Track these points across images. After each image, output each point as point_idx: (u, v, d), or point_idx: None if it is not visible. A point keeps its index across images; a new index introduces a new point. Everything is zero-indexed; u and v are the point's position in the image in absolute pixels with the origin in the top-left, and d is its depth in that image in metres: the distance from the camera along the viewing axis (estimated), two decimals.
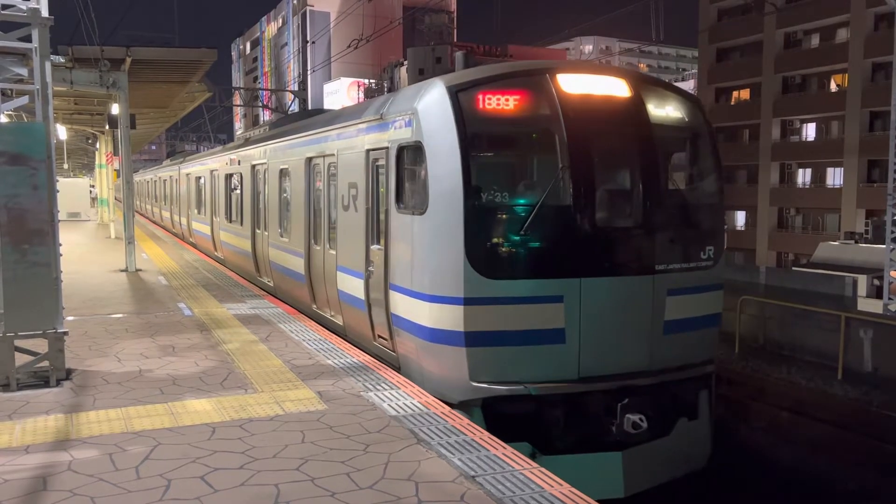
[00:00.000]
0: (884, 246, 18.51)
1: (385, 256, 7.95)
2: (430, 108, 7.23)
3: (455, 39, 71.90)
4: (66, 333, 7.36)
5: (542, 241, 7.08)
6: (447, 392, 7.05)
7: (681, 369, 7.56)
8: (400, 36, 70.75)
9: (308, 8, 77.92)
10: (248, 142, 15.92)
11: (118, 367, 7.87)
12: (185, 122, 65.03)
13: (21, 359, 7.25)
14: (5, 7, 7.73)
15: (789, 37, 46.18)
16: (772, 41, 45.92)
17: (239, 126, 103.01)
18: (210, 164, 19.00)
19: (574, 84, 7.36)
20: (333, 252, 9.67)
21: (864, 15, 40.59)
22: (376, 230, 8.37)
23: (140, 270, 16.36)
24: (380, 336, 8.35)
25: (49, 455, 5.36)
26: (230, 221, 16.39)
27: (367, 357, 8.32)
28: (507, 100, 7.08)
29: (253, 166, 14.23)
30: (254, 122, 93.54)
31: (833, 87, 44.24)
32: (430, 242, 7.10)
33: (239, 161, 15.64)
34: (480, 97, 7.07)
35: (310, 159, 10.75)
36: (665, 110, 7.93)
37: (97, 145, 33.65)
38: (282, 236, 12.26)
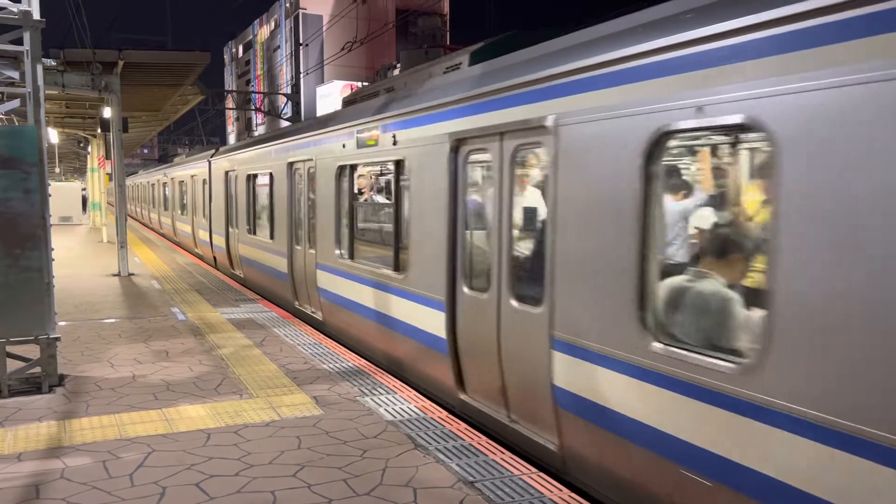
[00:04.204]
0: None
1: None
2: None
3: (448, 42, 71.96)
4: (58, 339, 7.28)
5: None
6: None
7: None
8: (393, 39, 70.80)
9: (301, 11, 77.90)
10: (389, 106, 8.19)
11: (111, 373, 7.79)
12: (178, 125, 64.95)
13: (12, 365, 7.17)
14: None
15: None
16: None
17: (231, 129, 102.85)
18: (286, 153, 12.04)
19: None
20: None
21: None
22: None
23: (133, 275, 16.27)
24: None
25: (41, 462, 5.29)
26: (350, 257, 9.39)
27: (363, 361, 8.27)
28: None
29: (423, 148, 7.18)
30: (246, 125, 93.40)
31: None
32: None
33: (371, 138, 8.50)
34: None
35: (673, 136, 4.33)
36: None
37: (89, 149, 33.52)
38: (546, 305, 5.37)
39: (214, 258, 18.98)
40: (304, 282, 11.10)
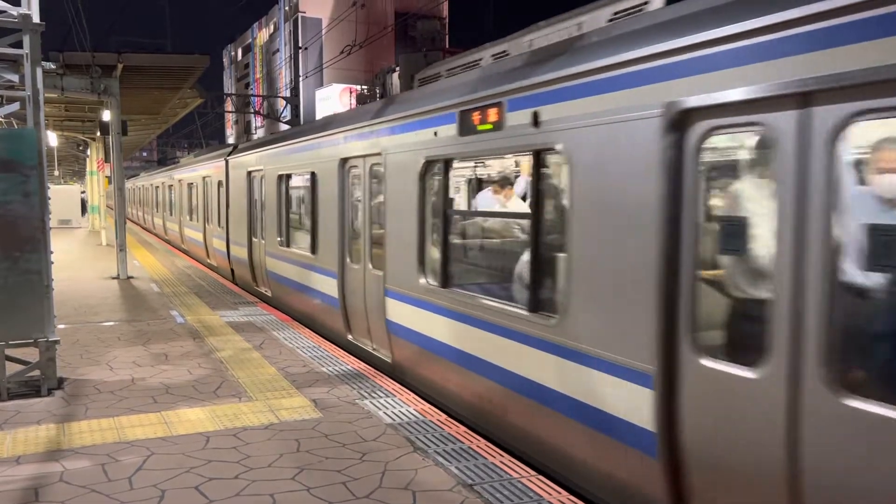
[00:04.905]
0: None
1: None
2: None
3: (447, 45, 72.02)
4: (57, 342, 7.28)
5: None
6: None
7: None
8: (392, 42, 70.87)
9: (300, 14, 77.97)
10: (521, 72, 5.82)
11: (110, 376, 7.79)
12: (177, 128, 65.03)
13: (12, 368, 7.17)
14: None
15: None
16: None
17: (230, 132, 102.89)
18: (337, 147, 9.88)
19: None
20: None
21: None
22: None
23: (132, 278, 16.27)
24: None
25: (41, 466, 5.29)
26: (443, 285, 7.11)
27: (362, 364, 8.26)
28: None
29: (599, 128, 4.85)
30: (245, 128, 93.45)
31: None
32: None
33: (487, 120, 6.19)
34: None
35: None
36: None
37: (88, 152, 33.56)
38: None
39: (232, 271, 16.49)
40: (364, 311, 8.83)
